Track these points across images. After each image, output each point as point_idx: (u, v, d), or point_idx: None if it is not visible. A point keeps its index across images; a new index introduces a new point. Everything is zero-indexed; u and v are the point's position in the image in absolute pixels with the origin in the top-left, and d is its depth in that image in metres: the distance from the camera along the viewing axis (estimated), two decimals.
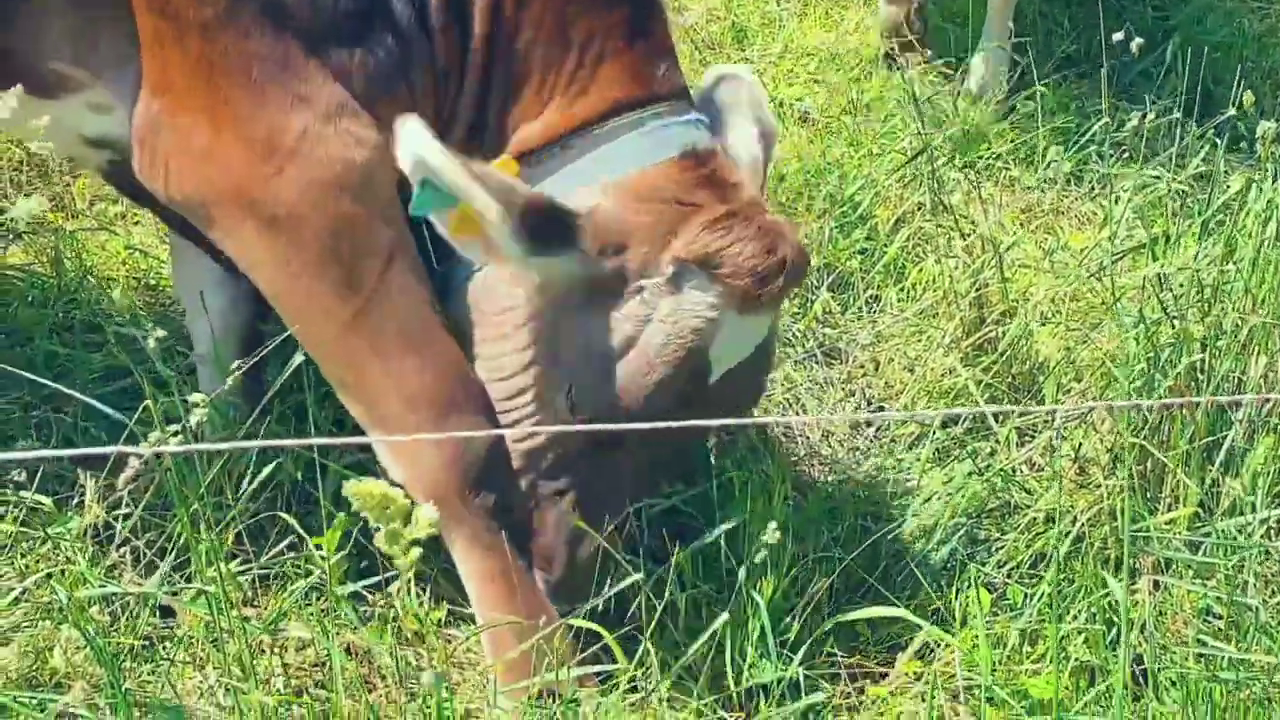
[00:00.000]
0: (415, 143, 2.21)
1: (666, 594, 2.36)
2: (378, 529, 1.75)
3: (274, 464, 2.71)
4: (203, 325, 2.75)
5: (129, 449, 1.78)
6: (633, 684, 2.34)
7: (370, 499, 1.72)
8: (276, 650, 2.37)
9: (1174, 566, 2.56)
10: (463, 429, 2.33)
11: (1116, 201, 3.47)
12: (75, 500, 2.53)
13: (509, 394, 2.45)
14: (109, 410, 1.94)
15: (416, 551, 1.75)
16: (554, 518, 2.45)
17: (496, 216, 2.23)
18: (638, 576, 2.27)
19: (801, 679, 2.39)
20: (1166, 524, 2.59)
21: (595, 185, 2.39)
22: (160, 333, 1.95)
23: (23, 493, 2.44)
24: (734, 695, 2.40)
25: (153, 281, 3.49)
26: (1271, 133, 2.87)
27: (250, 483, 2.44)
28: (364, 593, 2.46)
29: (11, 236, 3.58)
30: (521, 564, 2.42)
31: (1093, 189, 3.99)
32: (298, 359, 2.29)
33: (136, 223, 3.70)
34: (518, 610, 2.34)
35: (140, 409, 2.02)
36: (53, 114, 2.19)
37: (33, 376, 2.26)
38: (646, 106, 2.44)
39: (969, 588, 2.53)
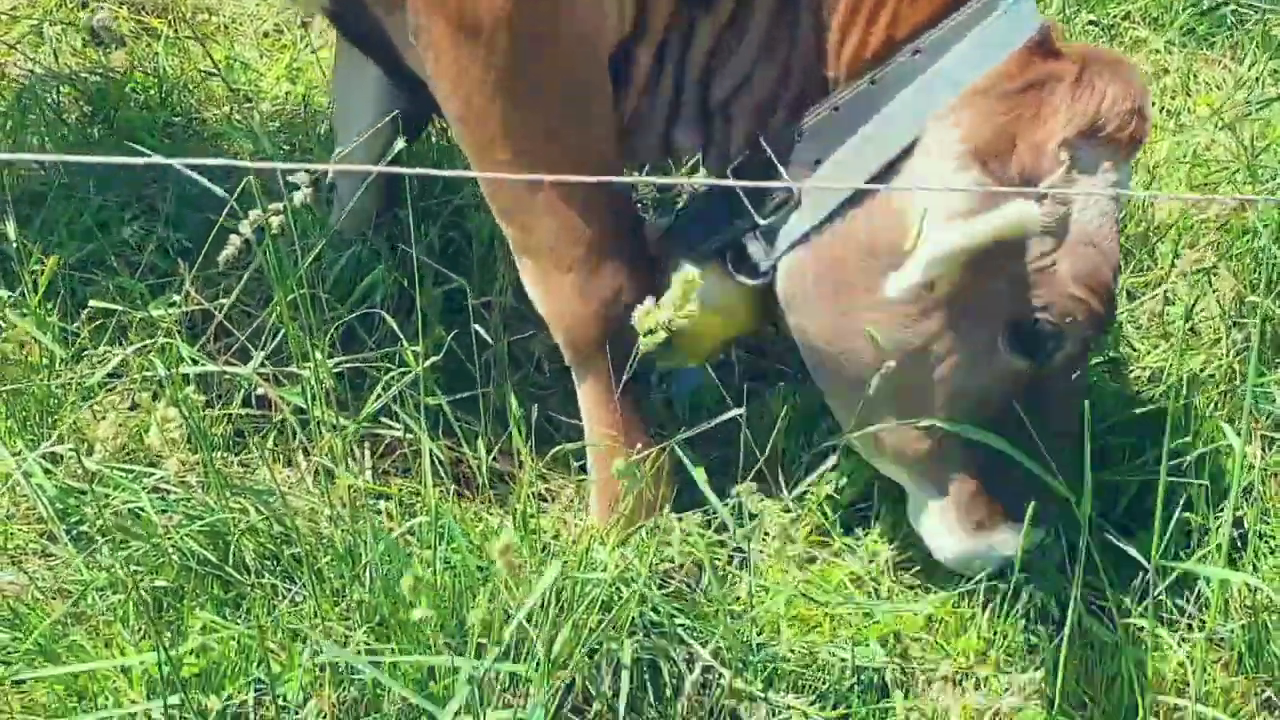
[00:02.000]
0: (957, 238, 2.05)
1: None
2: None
3: (375, 271, 2.72)
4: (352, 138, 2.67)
5: None
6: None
7: None
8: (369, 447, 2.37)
9: None
10: (618, 275, 2.29)
11: (1248, 65, 3.30)
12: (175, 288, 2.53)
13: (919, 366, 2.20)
14: (207, 184, 1.91)
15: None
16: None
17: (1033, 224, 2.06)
18: (738, 411, 2.23)
19: None
20: None
21: (958, 95, 2.16)
22: (265, 106, 1.89)
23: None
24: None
25: (249, 94, 3.46)
26: None
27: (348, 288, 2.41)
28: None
29: (114, 44, 3.58)
30: (640, 419, 2.37)
31: (1224, 52, 3.79)
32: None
33: (235, 40, 3.67)
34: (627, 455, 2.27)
35: (241, 184, 1.99)
36: None
37: (133, 154, 2.22)
38: None
39: None
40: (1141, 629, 2.19)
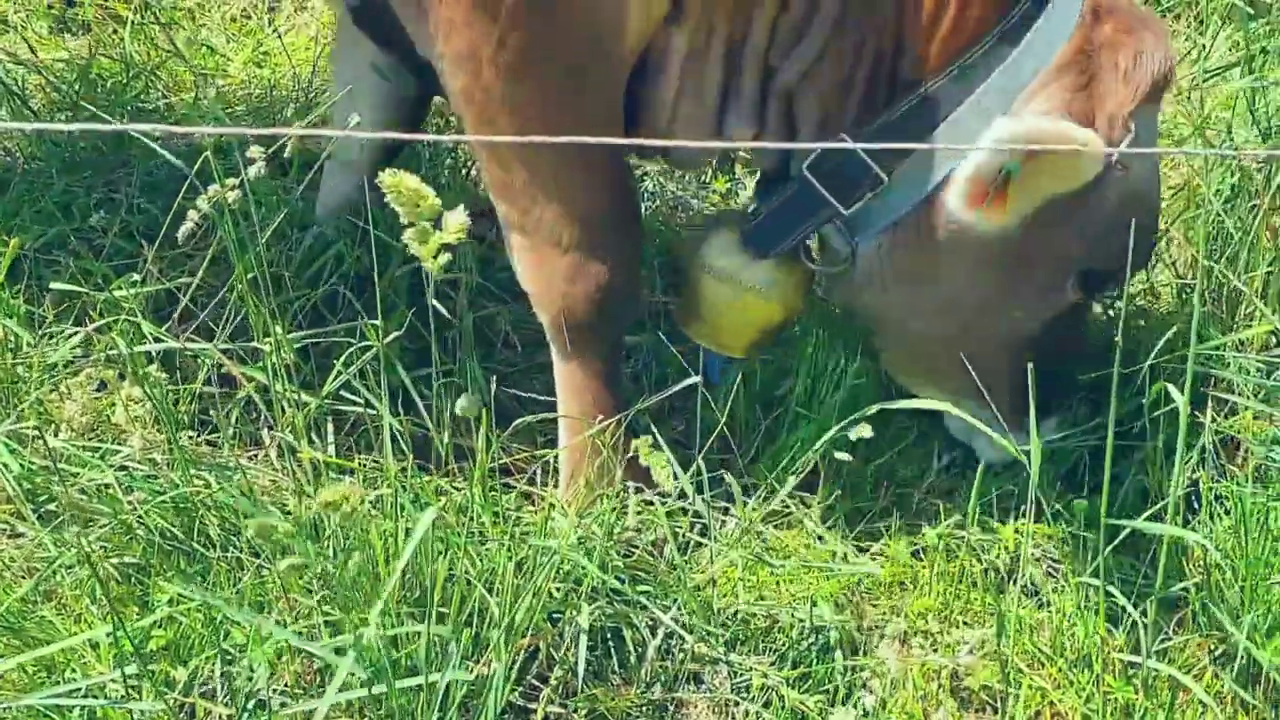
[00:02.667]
0: (1020, 125, 2.07)
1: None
2: (407, 226, 1.68)
3: (334, 247, 2.74)
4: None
5: None
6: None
7: (402, 193, 1.64)
8: (331, 420, 2.40)
9: (1241, 394, 2.51)
10: (613, 258, 2.30)
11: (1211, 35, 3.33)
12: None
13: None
14: (170, 157, 1.93)
15: (446, 257, 1.72)
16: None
17: (1098, 161, 2.11)
18: (695, 379, 2.28)
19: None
20: (1238, 346, 2.53)
21: (1039, 76, 2.21)
22: (221, 83, 1.91)
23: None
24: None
25: (219, 79, 3.47)
26: None
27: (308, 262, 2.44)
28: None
29: (80, 29, 3.59)
30: (617, 404, 2.39)
31: (1189, 24, 3.82)
32: None
33: (203, 24, 3.69)
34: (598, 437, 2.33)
35: (199, 160, 2.02)
36: None
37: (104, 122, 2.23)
38: None
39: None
40: (1094, 588, 2.23)
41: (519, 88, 2.19)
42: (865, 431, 2.21)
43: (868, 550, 2.47)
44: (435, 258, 1.66)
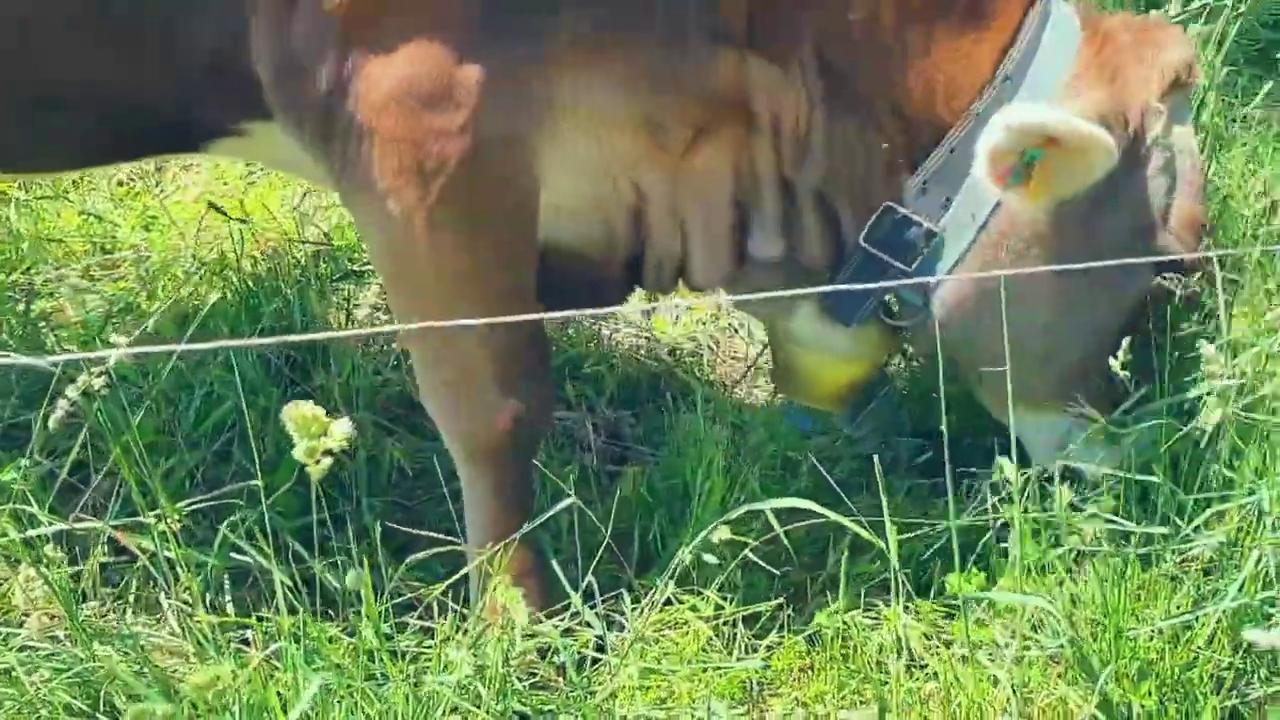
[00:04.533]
0: (1027, 115, 2.23)
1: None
2: (298, 443, 1.89)
3: (225, 406, 2.83)
4: None
5: None
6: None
7: (300, 420, 1.90)
8: (228, 582, 2.47)
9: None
10: (530, 394, 2.41)
11: None
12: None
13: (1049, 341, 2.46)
14: (32, 360, 2.03)
15: (328, 461, 1.89)
16: None
17: (1111, 153, 2.24)
18: (570, 501, 2.39)
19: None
20: None
21: (1055, 95, 2.36)
22: (77, 280, 2.02)
23: None
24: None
25: (107, 246, 3.57)
26: None
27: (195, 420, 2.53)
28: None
29: None
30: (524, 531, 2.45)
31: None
32: None
33: (92, 189, 3.79)
34: (517, 569, 2.42)
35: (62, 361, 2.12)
36: None
37: None
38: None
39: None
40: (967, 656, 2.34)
41: (451, 250, 2.30)
42: (724, 533, 2.32)
43: (764, 642, 2.57)
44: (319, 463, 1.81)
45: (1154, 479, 2.34)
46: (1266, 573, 2.25)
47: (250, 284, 3.18)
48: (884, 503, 2.16)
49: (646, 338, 3.41)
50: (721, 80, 2.30)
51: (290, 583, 2.25)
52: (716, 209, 2.45)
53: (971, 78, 2.39)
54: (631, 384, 3.24)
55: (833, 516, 2.31)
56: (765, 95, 2.34)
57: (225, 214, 3.28)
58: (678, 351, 3.39)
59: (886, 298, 2.58)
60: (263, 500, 2.22)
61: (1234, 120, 3.67)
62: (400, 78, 2.21)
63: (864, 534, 2.26)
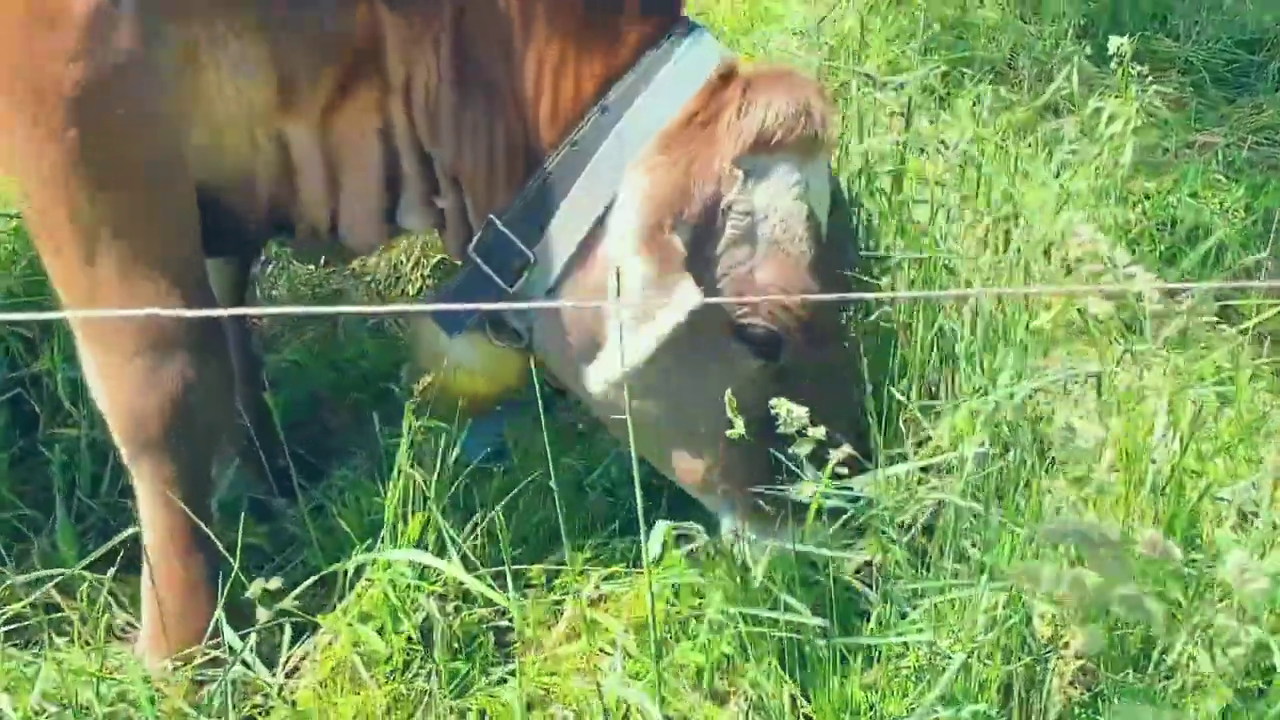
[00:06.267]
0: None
1: None
2: None
3: None
4: None
5: None
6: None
7: None
8: None
9: None
10: (187, 368, 2.17)
11: None
12: None
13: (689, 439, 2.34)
14: None
15: None
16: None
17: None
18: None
19: None
20: None
21: (650, 142, 2.26)
22: None
23: None
24: None
25: None
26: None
27: None
28: None
29: None
30: (197, 525, 2.23)
31: None
32: None
33: None
34: (188, 568, 2.23)
35: None
36: None
37: None
38: (664, 37, 2.30)
39: None
40: None
41: (83, 197, 2.07)
42: None
43: None
44: None
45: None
46: None
47: None
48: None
49: None
50: (354, 30, 2.18)
51: None
52: (363, 171, 2.31)
53: (575, 101, 2.26)
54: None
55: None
56: (399, 55, 2.22)
57: None
58: None
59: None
60: None
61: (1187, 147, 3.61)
62: None
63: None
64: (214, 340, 2.23)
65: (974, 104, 3.79)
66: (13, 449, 2.54)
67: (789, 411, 1.92)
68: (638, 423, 2.25)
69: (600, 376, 2.32)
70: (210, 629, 2.16)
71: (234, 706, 2.11)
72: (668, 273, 2.16)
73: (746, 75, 2.30)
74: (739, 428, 1.96)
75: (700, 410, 2.27)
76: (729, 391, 2.05)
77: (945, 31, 4.29)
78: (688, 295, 2.15)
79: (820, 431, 1.95)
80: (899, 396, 2.39)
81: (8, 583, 2.19)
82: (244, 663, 2.10)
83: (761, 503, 2.24)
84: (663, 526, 2.02)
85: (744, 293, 2.23)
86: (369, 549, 2.31)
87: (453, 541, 2.26)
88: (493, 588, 2.22)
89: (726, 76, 2.30)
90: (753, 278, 2.25)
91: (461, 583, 2.24)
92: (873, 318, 2.60)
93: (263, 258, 3.08)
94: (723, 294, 2.25)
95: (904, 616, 2.12)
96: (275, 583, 2.02)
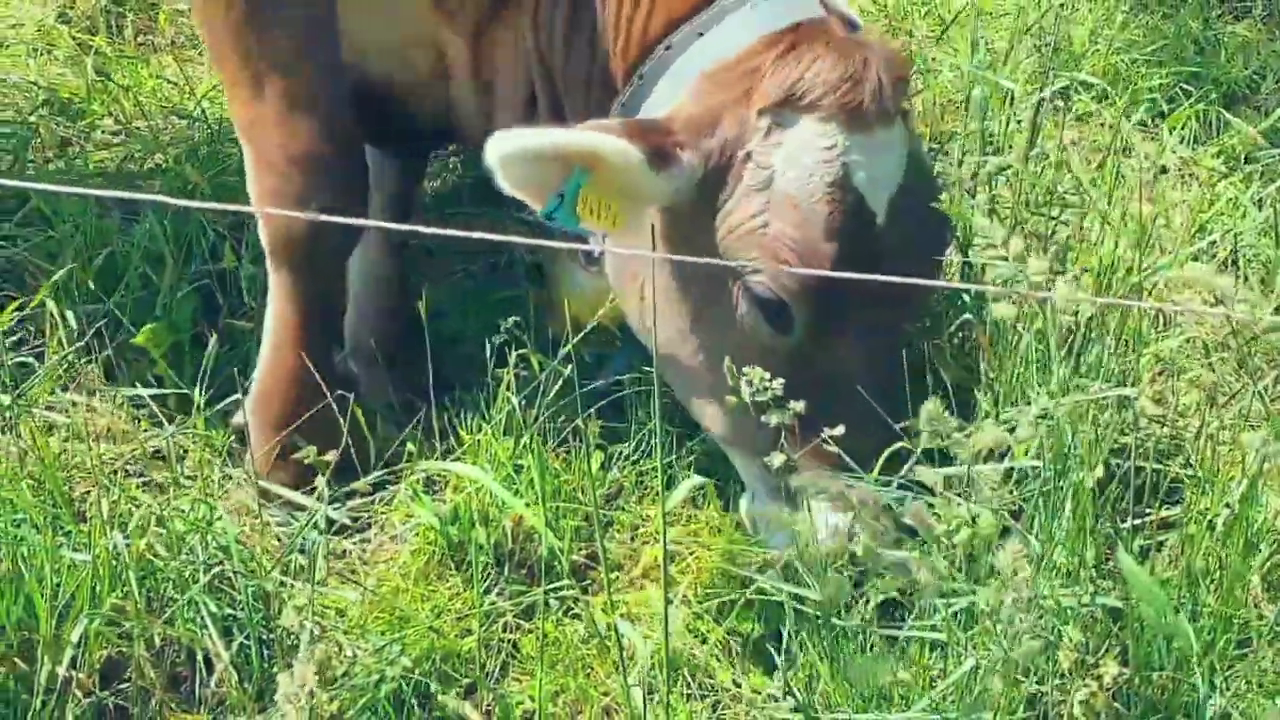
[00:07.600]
0: (507, 143, 2.18)
1: None
2: None
3: None
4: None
5: None
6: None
7: None
8: None
9: None
10: (325, 187, 2.46)
11: None
12: None
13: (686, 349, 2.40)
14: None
15: None
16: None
17: (627, 154, 2.18)
18: None
19: None
20: None
21: (702, 77, 2.34)
22: None
23: None
24: None
25: (180, 112, 3.65)
26: None
27: None
28: None
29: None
30: (325, 339, 2.58)
31: None
32: None
33: (170, 59, 3.88)
34: (296, 371, 2.52)
35: None
36: None
37: None
38: None
39: None
40: None
41: (248, 44, 2.45)
42: None
43: None
44: None
45: None
46: None
47: None
48: None
49: None
50: None
51: None
52: (510, 82, 2.59)
53: (643, 37, 2.42)
54: None
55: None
56: None
57: None
58: None
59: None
60: None
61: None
62: None
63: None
64: (358, 164, 2.54)
65: (1184, 123, 3.66)
66: (196, 330, 2.85)
67: (761, 379, 1.89)
68: (672, 372, 2.39)
69: (634, 309, 2.45)
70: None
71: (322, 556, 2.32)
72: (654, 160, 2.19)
73: (811, 32, 2.31)
74: (744, 395, 1.92)
75: (719, 374, 2.19)
76: (742, 357, 2.03)
77: (1176, 41, 4.08)
78: (598, 139, 2.18)
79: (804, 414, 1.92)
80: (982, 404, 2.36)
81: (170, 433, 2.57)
82: (329, 519, 2.38)
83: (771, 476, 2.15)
84: (691, 482, 2.13)
85: (756, 248, 2.22)
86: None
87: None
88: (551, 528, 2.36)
89: (797, 30, 2.31)
90: (765, 235, 2.22)
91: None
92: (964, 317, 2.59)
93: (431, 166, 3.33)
94: (735, 247, 2.25)
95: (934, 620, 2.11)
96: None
